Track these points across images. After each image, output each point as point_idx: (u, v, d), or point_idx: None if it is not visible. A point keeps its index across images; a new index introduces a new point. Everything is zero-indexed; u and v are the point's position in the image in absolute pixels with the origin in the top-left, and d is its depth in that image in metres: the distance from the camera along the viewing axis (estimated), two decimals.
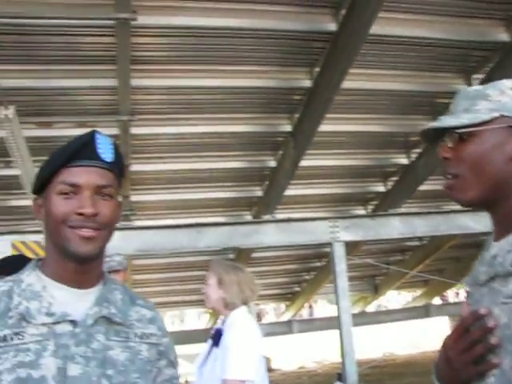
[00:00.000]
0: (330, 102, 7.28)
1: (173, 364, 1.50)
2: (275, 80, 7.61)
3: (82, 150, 1.33)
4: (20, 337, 1.25)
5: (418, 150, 9.29)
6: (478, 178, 1.25)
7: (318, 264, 12.81)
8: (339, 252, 8.24)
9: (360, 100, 8.12)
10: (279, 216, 9.13)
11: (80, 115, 7.42)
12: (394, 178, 10.08)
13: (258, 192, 9.94)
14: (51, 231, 1.35)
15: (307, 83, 7.63)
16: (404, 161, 9.66)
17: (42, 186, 1.37)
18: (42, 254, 8.07)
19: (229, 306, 3.13)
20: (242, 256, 9.77)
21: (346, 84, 7.13)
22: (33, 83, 6.99)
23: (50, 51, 6.62)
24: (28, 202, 7.51)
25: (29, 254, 8.05)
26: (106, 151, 1.36)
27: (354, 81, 7.40)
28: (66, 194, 1.32)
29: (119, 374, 1.31)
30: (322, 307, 31.47)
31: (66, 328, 1.29)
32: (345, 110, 8.10)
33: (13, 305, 1.29)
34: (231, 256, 10.23)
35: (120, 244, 7.88)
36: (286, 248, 10.87)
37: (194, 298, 12.93)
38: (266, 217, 8.91)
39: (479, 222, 7.52)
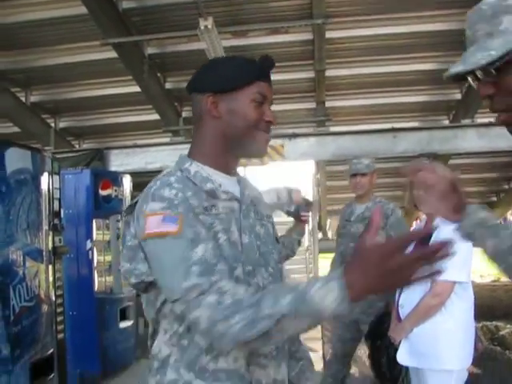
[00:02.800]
0: None
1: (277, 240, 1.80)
2: None
3: (266, 70, 1.62)
4: (216, 208, 1.50)
5: None
6: None
7: None
8: None
9: None
10: (479, 120, 8.61)
11: (273, 22, 7.45)
12: None
13: (457, 95, 9.40)
14: (236, 129, 1.57)
15: None
16: None
17: (230, 88, 1.57)
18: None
19: None
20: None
21: None
22: None
23: None
24: None
25: None
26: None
27: None
28: (257, 102, 1.57)
29: (263, 245, 1.61)
30: None
31: (235, 205, 1.57)
32: None
33: (197, 186, 1.51)
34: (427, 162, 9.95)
35: (316, 149, 8.06)
36: (486, 155, 10.30)
37: None
38: (466, 121, 8.47)
39: None
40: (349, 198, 5.17)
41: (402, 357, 3.02)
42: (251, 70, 1.59)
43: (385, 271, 1.18)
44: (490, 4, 1.10)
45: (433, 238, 2.97)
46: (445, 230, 2.95)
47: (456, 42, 8.17)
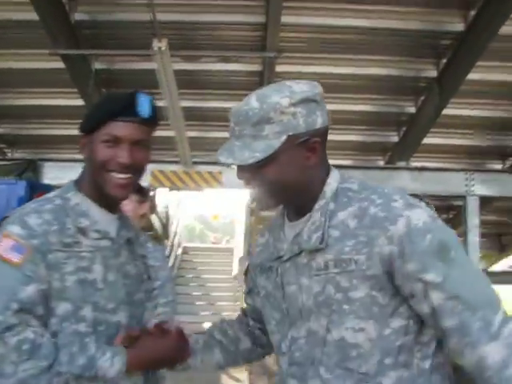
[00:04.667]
0: (483, 48, 6.84)
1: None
2: (424, 23, 7.21)
3: (125, 108, 1.59)
4: (78, 246, 1.56)
5: None
6: (280, 193, 1.44)
7: (445, 216, 12.40)
8: (473, 206, 7.98)
9: None
10: (414, 164, 8.90)
11: (225, 50, 7.52)
12: None
13: (394, 138, 9.69)
14: (93, 170, 1.64)
15: (460, 27, 7.18)
16: None
17: (90, 129, 1.63)
18: (179, 183, 8.49)
19: None
20: None
21: (506, 30, 6.62)
22: (185, 17, 7.19)
23: None
24: (169, 133, 7.78)
25: (166, 183, 8.46)
26: (144, 109, 1.61)
27: None
28: (108, 143, 1.59)
29: (131, 284, 1.70)
30: None
31: (106, 243, 1.64)
32: (499, 57, 7.49)
33: (70, 219, 1.58)
34: None
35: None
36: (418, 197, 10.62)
37: None
38: (400, 163, 8.74)
39: None
40: None
41: None
42: (107, 109, 1.61)
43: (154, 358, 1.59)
44: (254, 111, 1.37)
45: None
46: None
47: (394, 88, 8.50)
